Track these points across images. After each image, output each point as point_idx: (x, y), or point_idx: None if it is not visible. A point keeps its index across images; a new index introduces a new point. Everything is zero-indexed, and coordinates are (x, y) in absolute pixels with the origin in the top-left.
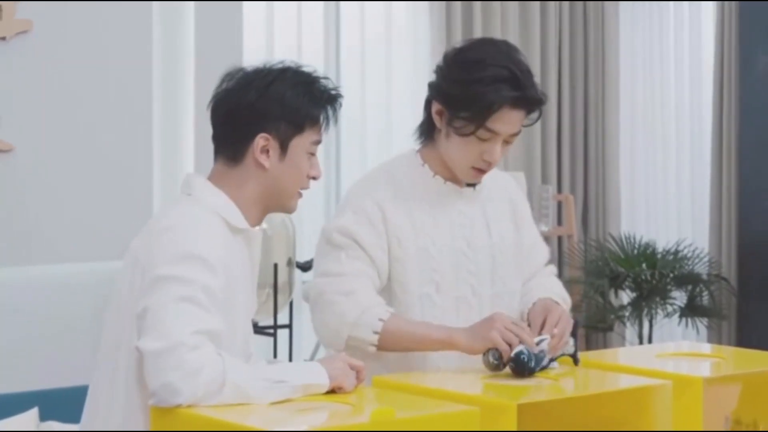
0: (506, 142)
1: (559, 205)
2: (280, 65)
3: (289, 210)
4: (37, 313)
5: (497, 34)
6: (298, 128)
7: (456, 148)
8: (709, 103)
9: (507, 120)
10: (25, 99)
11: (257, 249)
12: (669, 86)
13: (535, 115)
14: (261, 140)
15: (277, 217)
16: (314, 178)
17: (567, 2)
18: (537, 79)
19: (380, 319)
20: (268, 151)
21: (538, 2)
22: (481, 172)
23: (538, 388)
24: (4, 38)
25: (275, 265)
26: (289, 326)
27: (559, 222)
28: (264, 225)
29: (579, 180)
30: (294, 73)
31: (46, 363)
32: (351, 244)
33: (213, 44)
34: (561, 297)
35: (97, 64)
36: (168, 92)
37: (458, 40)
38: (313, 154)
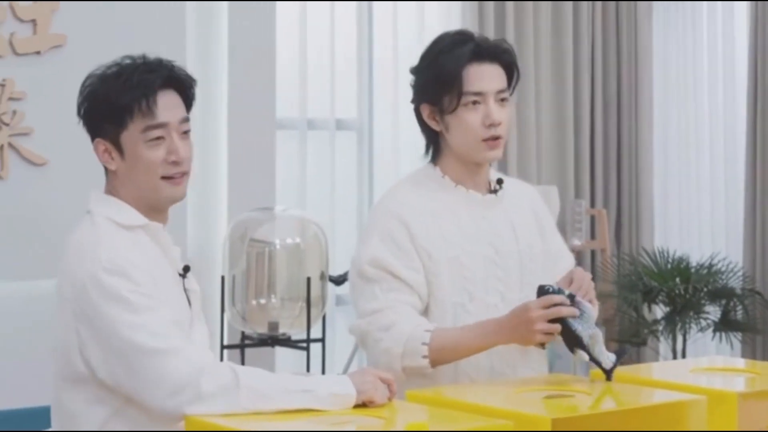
0: (500, 101)
1: (592, 219)
2: (109, 62)
3: (167, 200)
4: None
5: (529, 35)
6: (120, 123)
7: (457, 130)
8: (743, 114)
9: (480, 76)
10: (59, 113)
11: (165, 240)
12: (702, 95)
13: (514, 73)
14: (99, 146)
15: (309, 231)
16: (174, 163)
17: (600, 2)
18: (569, 79)
19: (423, 344)
20: (110, 153)
21: (571, 2)
22: (494, 140)
23: (572, 403)
24: (38, 52)
25: (308, 279)
26: (322, 340)
27: (593, 236)
28: (297, 239)
29: (612, 194)
30: (107, 68)
31: None
32: (383, 275)
33: (246, 45)
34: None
35: None
36: (201, 97)
37: None
38: (159, 138)
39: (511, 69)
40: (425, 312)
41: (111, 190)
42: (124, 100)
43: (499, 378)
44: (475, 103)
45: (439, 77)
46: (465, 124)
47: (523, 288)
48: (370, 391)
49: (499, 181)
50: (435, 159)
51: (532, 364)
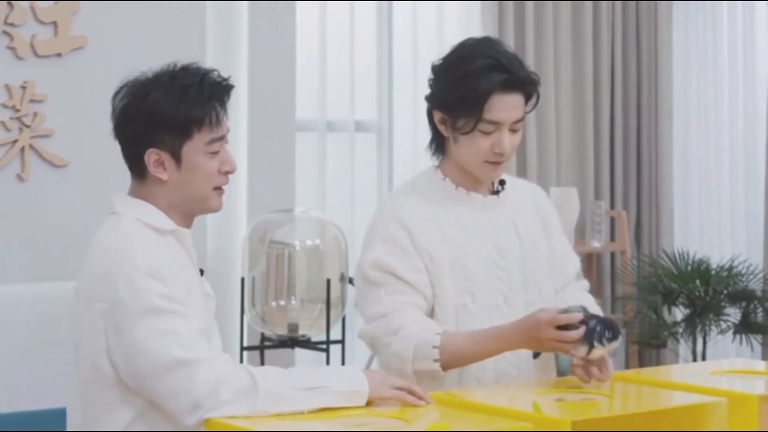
0: (513, 130)
1: (612, 220)
2: (161, 70)
3: (212, 210)
4: None
5: (549, 35)
6: (185, 135)
7: (465, 148)
8: (763, 115)
9: (503, 106)
10: (80, 115)
11: (190, 247)
12: (722, 95)
13: (534, 99)
14: (152, 156)
15: (329, 233)
16: (227, 173)
17: (620, 2)
18: (589, 80)
19: (434, 347)
20: (163, 163)
21: (591, 2)
22: (496, 164)
23: (592, 405)
24: (59, 54)
25: (328, 281)
26: (342, 341)
27: (612, 238)
28: (317, 240)
29: (632, 196)
30: (170, 77)
31: None
32: (387, 278)
33: (266, 46)
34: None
35: None
36: None
37: (510, 41)
38: (216, 152)
39: (531, 95)
40: (430, 314)
41: (145, 195)
42: (195, 113)
43: (505, 379)
44: (490, 131)
45: (461, 100)
46: (474, 147)
47: (527, 288)
48: (381, 388)
49: (502, 183)
50: (438, 157)
51: (539, 364)
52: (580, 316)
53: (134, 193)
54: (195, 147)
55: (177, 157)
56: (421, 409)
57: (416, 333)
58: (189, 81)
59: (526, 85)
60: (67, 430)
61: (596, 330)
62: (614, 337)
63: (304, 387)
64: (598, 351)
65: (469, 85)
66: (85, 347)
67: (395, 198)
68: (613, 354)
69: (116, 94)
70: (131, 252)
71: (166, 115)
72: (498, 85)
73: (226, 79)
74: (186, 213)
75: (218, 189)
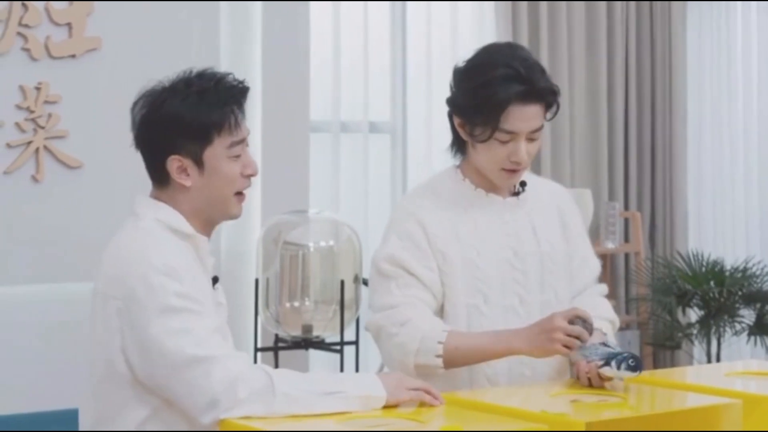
0: (530, 139)
1: (626, 222)
2: (177, 76)
3: (233, 216)
4: None
5: (563, 35)
6: (205, 140)
7: (482, 155)
8: None
9: (520, 117)
10: (94, 116)
11: (206, 255)
12: (737, 96)
13: (554, 108)
14: (174, 162)
15: (343, 234)
16: (249, 176)
17: (633, 2)
18: (603, 81)
19: (439, 342)
20: (185, 169)
21: (605, 2)
22: (513, 172)
23: (606, 406)
24: (74, 56)
25: (342, 282)
26: (356, 343)
27: (626, 239)
28: (331, 242)
29: (646, 197)
30: (185, 83)
31: None
32: (400, 272)
33: (280, 47)
34: (607, 319)
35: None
36: None
37: (524, 41)
38: (237, 155)
39: (551, 105)
40: (440, 314)
41: (166, 199)
42: (214, 117)
43: (518, 380)
44: (507, 140)
45: (478, 109)
46: (490, 154)
47: (543, 290)
48: (398, 392)
49: (523, 184)
50: (459, 159)
51: (553, 364)
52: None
53: (156, 196)
54: (216, 151)
55: (199, 163)
56: (435, 410)
57: (423, 327)
58: (205, 86)
59: (545, 95)
60: (81, 430)
61: (622, 355)
62: (633, 369)
63: (320, 392)
64: (609, 371)
65: (486, 95)
66: (100, 345)
67: (414, 196)
68: (620, 380)
69: (134, 105)
70: (147, 250)
71: (185, 122)
72: (515, 96)
73: (242, 82)
74: (207, 220)
75: (239, 194)
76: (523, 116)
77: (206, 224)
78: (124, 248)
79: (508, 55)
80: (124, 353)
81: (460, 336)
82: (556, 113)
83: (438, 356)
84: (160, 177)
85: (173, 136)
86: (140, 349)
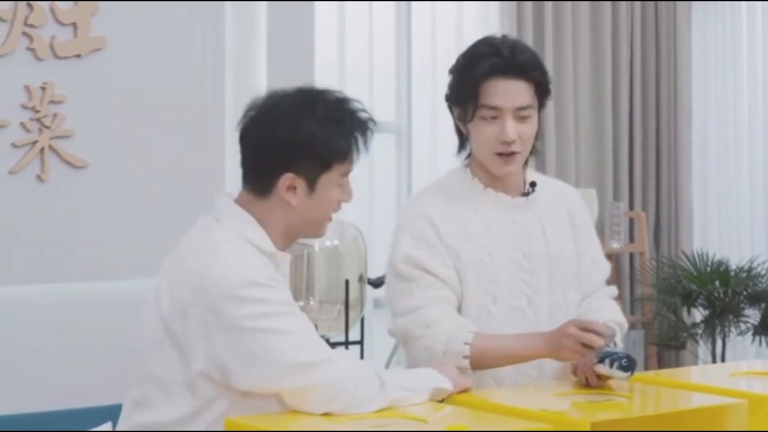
0: (520, 118)
1: (631, 221)
2: (310, 94)
3: (318, 236)
4: (115, 328)
5: (568, 35)
6: (327, 166)
7: (475, 141)
8: None
9: (500, 91)
10: (100, 116)
11: (286, 272)
12: (741, 95)
13: (544, 89)
14: (287, 180)
15: (348, 234)
16: (344, 202)
17: (639, 2)
18: (608, 80)
19: (466, 343)
20: (295, 188)
21: (610, 2)
22: (506, 156)
23: (611, 406)
24: (79, 55)
25: (347, 282)
26: (361, 342)
27: (631, 239)
28: (336, 241)
29: (651, 197)
30: (324, 106)
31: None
32: (418, 273)
33: (285, 46)
34: (615, 322)
35: (170, 80)
36: (239, 99)
37: (529, 40)
38: (344, 184)
39: (541, 85)
40: (458, 310)
41: (259, 212)
42: (343, 146)
43: (523, 379)
44: (493, 117)
45: (459, 86)
46: (480, 136)
47: (552, 292)
48: (458, 380)
49: (533, 185)
50: (467, 158)
51: (559, 364)
52: (608, 330)
53: (245, 203)
54: (331, 178)
55: (312, 186)
56: (440, 410)
57: (449, 328)
58: (343, 115)
59: (528, 70)
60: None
61: (617, 354)
62: (624, 369)
63: (404, 387)
64: (602, 368)
65: (466, 70)
66: (166, 346)
67: (421, 195)
68: (618, 381)
69: (251, 109)
70: (241, 262)
71: (315, 146)
72: (493, 68)
73: (372, 117)
74: (293, 236)
75: (330, 218)
76: (503, 90)
77: (289, 241)
78: (206, 251)
79: (494, 39)
80: (215, 361)
81: (485, 339)
82: (547, 95)
83: (465, 357)
84: (263, 187)
85: (298, 155)
86: (243, 359)
